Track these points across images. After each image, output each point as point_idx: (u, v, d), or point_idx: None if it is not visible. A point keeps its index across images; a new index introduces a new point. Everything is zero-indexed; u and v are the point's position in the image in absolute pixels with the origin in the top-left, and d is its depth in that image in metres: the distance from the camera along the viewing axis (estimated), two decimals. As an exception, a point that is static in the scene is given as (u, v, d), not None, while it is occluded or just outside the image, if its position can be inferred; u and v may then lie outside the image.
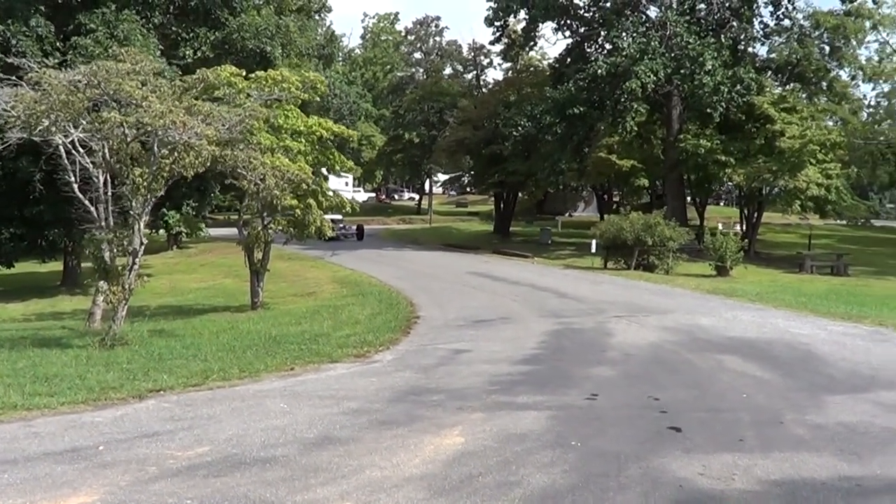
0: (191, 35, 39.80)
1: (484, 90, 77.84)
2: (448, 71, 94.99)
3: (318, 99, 30.36)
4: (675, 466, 9.06)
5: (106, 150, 19.52)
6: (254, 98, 24.37)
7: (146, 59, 20.27)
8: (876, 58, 73.68)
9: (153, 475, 8.69)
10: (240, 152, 20.43)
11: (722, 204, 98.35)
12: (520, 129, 52.52)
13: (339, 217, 57.81)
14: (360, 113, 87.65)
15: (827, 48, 56.67)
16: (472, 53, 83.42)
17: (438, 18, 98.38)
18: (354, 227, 63.88)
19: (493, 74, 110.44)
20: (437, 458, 9.38)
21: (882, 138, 77.23)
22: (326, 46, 77.30)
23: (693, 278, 38.20)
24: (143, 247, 20.10)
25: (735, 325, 21.67)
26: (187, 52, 38.88)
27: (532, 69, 68.10)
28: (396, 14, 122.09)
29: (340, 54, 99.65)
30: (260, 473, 8.75)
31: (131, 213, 19.77)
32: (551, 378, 14.61)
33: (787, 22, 55.83)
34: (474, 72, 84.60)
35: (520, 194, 70.48)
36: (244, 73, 26.80)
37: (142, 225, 19.84)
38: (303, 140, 27.64)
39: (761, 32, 56.50)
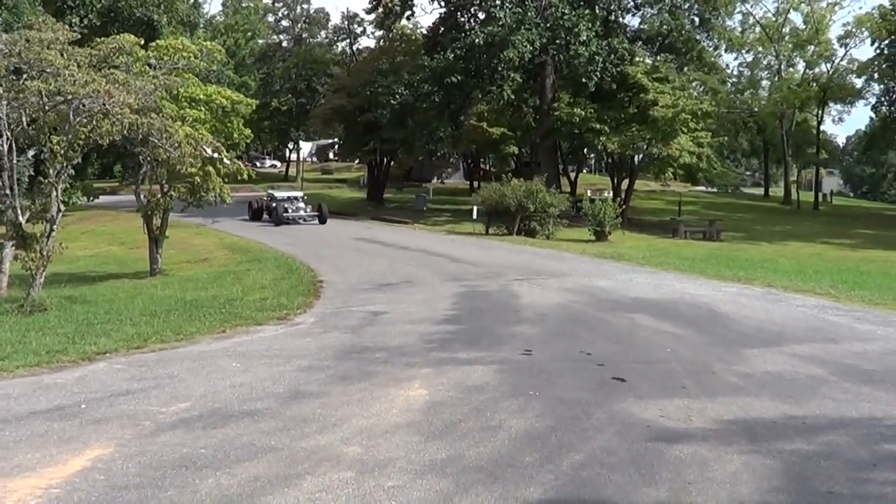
0: (77, 3, 39.09)
1: (357, 58, 77.84)
2: (320, 38, 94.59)
3: (213, 68, 30.34)
4: (635, 410, 9.86)
5: (23, 118, 19.41)
6: (156, 67, 24.34)
7: (62, 29, 20.14)
8: (739, 28, 76.83)
9: (152, 429, 8.99)
10: (155, 120, 20.45)
11: (585, 171, 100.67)
12: (397, 97, 52.92)
13: (297, 195, 51.70)
14: (224, 80, 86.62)
15: (697, 19, 58.65)
16: (346, 22, 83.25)
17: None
18: (312, 209, 49.45)
19: (366, 43, 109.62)
20: (412, 408, 9.96)
21: (745, 107, 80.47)
22: (191, 13, 76.25)
23: (575, 243, 39.57)
24: (60, 213, 20.10)
25: (633, 286, 22.69)
26: (73, 21, 38.24)
27: (404, 38, 68.34)
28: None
29: (202, 21, 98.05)
30: (253, 425, 9.15)
31: (49, 180, 19.74)
32: (479, 336, 15.25)
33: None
34: (347, 40, 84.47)
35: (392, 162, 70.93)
36: (142, 42, 26.62)
37: (59, 192, 19.84)
38: (202, 108, 27.62)
39: (632, 3, 58.11)
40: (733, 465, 7.94)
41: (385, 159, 67.70)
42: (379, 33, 74.66)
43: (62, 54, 19.59)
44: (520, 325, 16.39)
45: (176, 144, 21.13)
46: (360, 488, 7.22)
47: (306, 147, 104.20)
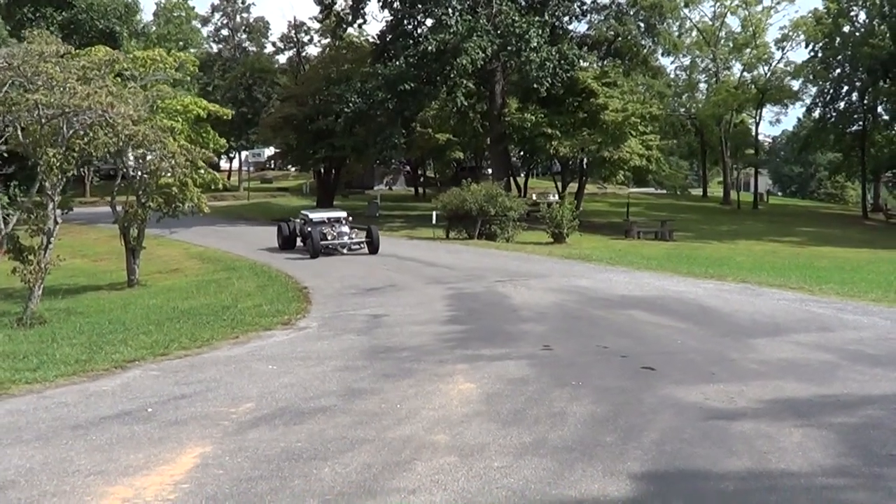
0: (37, 16, 39.14)
1: (305, 67, 78.14)
2: (266, 48, 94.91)
3: (188, 78, 30.76)
4: (679, 395, 10.63)
5: (19, 132, 19.73)
6: (137, 78, 24.73)
7: (56, 42, 20.51)
8: (676, 32, 78.60)
9: (235, 428, 9.43)
10: (150, 131, 20.88)
11: (523, 175, 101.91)
12: (350, 105, 53.41)
13: (339, 215, 39.07)
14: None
15: (643, 25, 60.02)
16: (293, 31, 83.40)
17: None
18: (357, 233, 37.55)
19: (312, 51, 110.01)
20: (471, 400, 10.59)
21: (682, 110, 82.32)
22: (145, 25, 76.02)
23: (537, 246, 40.50)
24: (57, 226, 20.43)
25: (615, 285, 23.44)
26: (34, 34, 38.36)
27: (351, 46, 68.65)
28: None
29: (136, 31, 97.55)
30: (331, 420, 9.68)
31: (47, 192, 20.08)
32: (492, 334, 15.85)
33: (604, 0, 58.95)
34: (294, 49, 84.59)
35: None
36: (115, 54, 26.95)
37: (56, 204, 20.18)
38: (179, 119, 28.00)
39: (579, 10, 59.23)
40: (795, 436, 8.78)
41: (336, 167, 68.01)
42: (325, 41, 75.12)
43: (58, 67, 19.97)
44: (525, 324, 17.04)
45: (170, 154, 21.55)
46: (472, 469, 7.86)
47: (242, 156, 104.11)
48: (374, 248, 35.73)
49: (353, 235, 36.72)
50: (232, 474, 7.88)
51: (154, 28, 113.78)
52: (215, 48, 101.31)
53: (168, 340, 15.58)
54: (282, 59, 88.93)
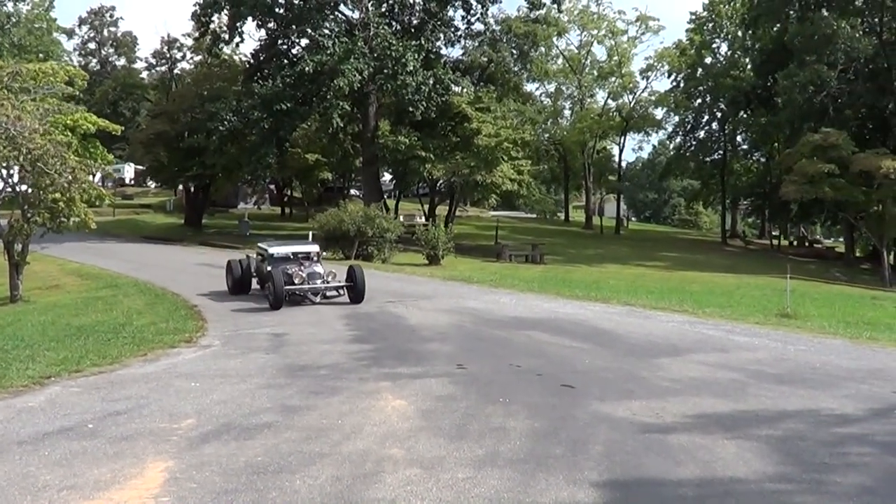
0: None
1: (177, 84, 77.23)
2: (138, 64, 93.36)
3: (77, 93, 30.31)
4: (607, 411, 11.22)
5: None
6: (30, 91, 24.33)
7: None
8: (543, 59, 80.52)
9: (186, 443, 9.58)
10: (51, 145, 20.61)
11: (387, 198, 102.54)
12: (225, 123, 53.11)
13: (309, 249, 28.25)
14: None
15: (516, 52, 61.43)
16: (165, 47, 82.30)
17: (113, 9, 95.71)
18: (333, 276, 26.58)
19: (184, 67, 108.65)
20: (408, 416, 10.96)
21: (547, 135, 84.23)
22: (25, 38, 73.87)
23: (415, 267, 41.01)
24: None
25: (505, 307, 24.01)
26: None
27: (224, 63, 68.15)
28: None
29: None
30: (279, 435, 9.90)
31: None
32: (402, 353, 16.19)
33: (479, 26, 60.01)
34: (167, 65, 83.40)
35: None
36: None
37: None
38: (69, 133, 27.58)
39: (454, 36, 60.14)
40: (730, 448, 9.46)
41: (205, 185, 67.19)
42: (198, 58, 74.39)
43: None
44: (430, 343, 17.40)
45: (70, 170, 21.29)
46: (440, 480, 8.26)
47: (98, 174, 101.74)
48: (357, 293, 25.74)
49: (329, 278, 26.66)
50: (207, 488, 8.08)
51: (15, 39, 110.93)
52: (76, 61, 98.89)
53: (78, 357, 15.41)
54: (151, 74, 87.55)
